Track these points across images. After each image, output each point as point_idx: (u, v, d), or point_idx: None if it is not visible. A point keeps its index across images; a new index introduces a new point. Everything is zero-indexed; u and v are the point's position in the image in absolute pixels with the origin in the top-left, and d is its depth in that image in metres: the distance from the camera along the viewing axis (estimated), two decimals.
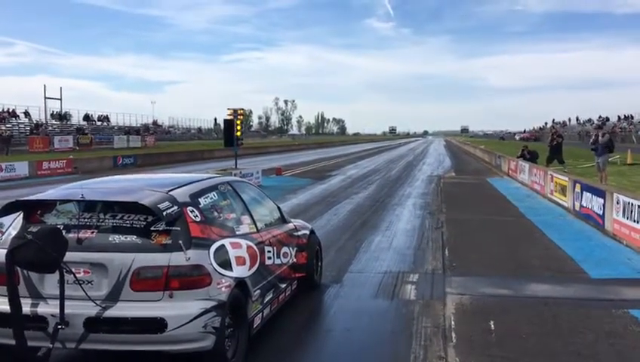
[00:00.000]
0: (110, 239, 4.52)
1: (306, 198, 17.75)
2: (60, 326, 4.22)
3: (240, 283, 4.91)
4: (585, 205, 12.72)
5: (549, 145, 25.66)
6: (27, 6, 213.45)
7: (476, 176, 26.26)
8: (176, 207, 4.68)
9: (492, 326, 6.06)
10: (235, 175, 20.38)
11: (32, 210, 4.86)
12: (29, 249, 4.07)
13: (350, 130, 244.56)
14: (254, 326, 5.27)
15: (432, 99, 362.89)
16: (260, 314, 5.43)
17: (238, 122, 22.30)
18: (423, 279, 8.02)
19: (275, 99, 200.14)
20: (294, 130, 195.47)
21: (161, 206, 4.56)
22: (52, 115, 62.84)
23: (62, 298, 4.21)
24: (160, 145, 65.07)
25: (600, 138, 19.77)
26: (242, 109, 23.44)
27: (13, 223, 4.84)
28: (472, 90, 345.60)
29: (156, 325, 4.23)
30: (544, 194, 17.34)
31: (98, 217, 4.68)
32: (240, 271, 4.95)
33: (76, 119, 66.02)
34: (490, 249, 9.99)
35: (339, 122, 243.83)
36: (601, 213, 11.52)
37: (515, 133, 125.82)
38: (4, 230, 4.92)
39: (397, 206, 15.86)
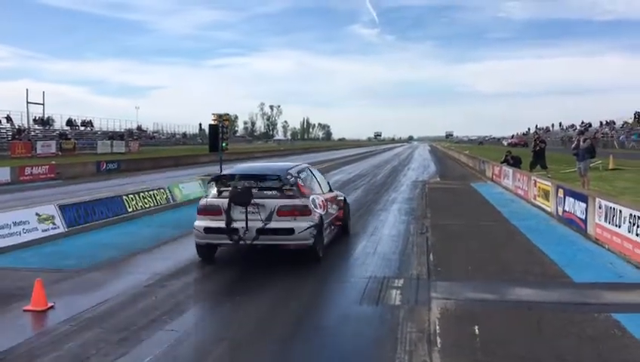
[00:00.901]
0: (265, 193, 9.09)
1: None
2: (245, 231, 8.76)
3: (320, 216, 9.33)
4: (568, 210, 12.84)
5: (532, 151, 25.88)
6: (9, 10, 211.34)
7: (461, 182, 26.40)
8: (293, 178, 9.45)
9: (477, 330, 6.08)
10: None
11: (225, 179, 9.64)
12: (241, 195, 8.86)
13: (336, 135, 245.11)
14: (325, 241, 9.71)
15: (417, 104, 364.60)
16: (327, 234, 10.02)
17: (224, 127, 22.24)
18: (408, 284, 8.03)
19: (261, 105, 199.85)
20: (280, 136, 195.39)
21: (287, 177, 9.36)
22: (35, 120, 62.14)
23: (246, 218, 8.76)
24: (144, 150, 64.69)
25: (581, 143, 19.97)
26: (227, 114, 23.38)
27: (214, 186, 9.70)
28: (456, 96, 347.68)
29: (290, 231, 8.77)
30: (528, 199, 17.48)
31: (257, 182, 9.33)
32: (320, 211, 9.38)
33: (59, 124, 65.41)
34: (475, 254, 10.03)
35: (324, 127, 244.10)
36: (583, 217, 11.63)
37: (500, 139, 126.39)
38: (211, 190, 9.75)
39: (382, 211, 15.88)
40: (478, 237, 11.77)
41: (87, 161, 36.33)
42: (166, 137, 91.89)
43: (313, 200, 9.33)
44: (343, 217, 11.54)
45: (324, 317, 6.77)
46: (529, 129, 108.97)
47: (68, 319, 6.62)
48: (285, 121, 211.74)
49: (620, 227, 9.60)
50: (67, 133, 62.51)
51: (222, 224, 8.87)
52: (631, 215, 9.20)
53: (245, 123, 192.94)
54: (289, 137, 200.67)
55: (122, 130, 76.18)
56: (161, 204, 16.20)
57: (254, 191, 9.00)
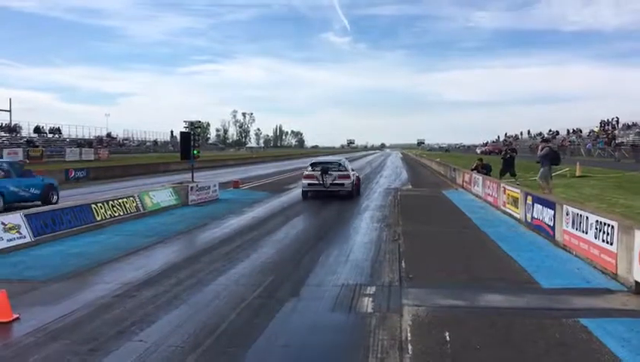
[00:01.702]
0: (332, 169, 21.38)
1: (264, 211, 17.67)
2: (325, 183, 20.93)
3: (352, 180, 21.52)
4: (536, 216, 13.06)
5: (502, 159, 26.29)
6: None
7: (432, 189, 26.64)
8: (346, 163, 22.44)
9: (447, 337, 6.13)
10: (191, 188, 20.12)
11: (315, 164, 21.96)
12: (325, 168, 21.25)
13: (308, 142, 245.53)
14: (353, 191, 21.48)
15: (389, 112, 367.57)
16: (355, 188, 21.86)
17: (196, 134, 22.08)
18: (380, 291, 8.05)
19: (233, 112, 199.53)
20: (253, 143, 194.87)
21: (340, 162, 22.39)
22: (1, 127, 60.85)
23: (324, 179, 20.95)
24: (114, 158, 63.81)
25: (538, 151, 20.40)
26: (199, 122, 23.22)
27: (309, 166, 21.97)
28: (427, 104, 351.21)
29: (342, 185, 21.04)
30: (497, 206, 17.73)
31: (329, 165, 21.59)
32: (354, 178, 22.01)
33: (27, 131, 64.17)
34: (446, 260, 10.12)
35: (297, 135, 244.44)
36: (551, 224, 11.84)
37: (470, 146, 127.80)
38: (309, 167, 21.93)
39: (354, 219, 15.93)
40: (449, 244, 11.88)
41: (54, 169, 35.61)
42: (136, 145, 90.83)
43: (350, 173, 21.75)
44: (358, 183, 23.15)
45: (296, 325, 6.73)
46: (499, 137, 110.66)
47: (34, 331, 6.47)
48: (258, 129, 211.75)
49: (586, 233, 9.79)
50: (35, 140, 61.35)
51: (315, 181, 20.97)
52: (597, 221, 9.39)
53: (218, 130, 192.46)
54: (262, 145, 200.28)
55: (91, 138, 75.10)
56: (130, 213, 15.98)
57: (329, 168, 21.22)
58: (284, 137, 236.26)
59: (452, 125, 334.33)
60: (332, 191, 20.86)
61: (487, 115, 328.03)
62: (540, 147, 21.22)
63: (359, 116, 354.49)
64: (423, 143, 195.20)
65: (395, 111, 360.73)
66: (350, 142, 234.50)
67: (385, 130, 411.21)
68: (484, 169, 24.72)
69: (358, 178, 23.32)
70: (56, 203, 18.65)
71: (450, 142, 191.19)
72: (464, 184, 26.29)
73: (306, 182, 21.12)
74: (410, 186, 29.03)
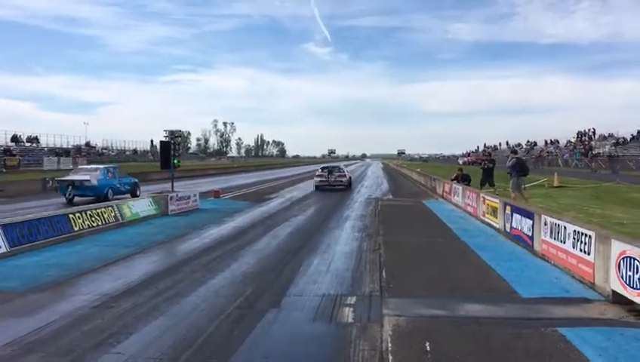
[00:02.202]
0: (334, 170, 32.97)
1: (245, 221, 17.60)
2: (330, 180, 32.04)
3: (348, 178, 34.09)
4: (515, 226, 13.19)
5: (481, 169, 26.53)
6: None
7: (413, 199, 26.74)
8: (343, 167, 35.66)
9: (428, 346, 6.14)
10: (171, 198, 19.97)
11: (324, 167, 33.52)
12: (332, 171, 32.89)
13: (290, 152, 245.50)
14: (350, 185, 34.02)
15: (370, 122, 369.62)
16: (348, 183, 33.38)
17: (176, 143, 21.95)
18: (361, 301, 8.06)
19: (214, 121, 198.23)
20: (234, 153, 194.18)
21: (342, 167, 35.36)
22: None
23: (329, 177, 32.14)
24: None
25: (507, 162, 20.64)
26: (180, 131, 23.10)
27: (320, 169, 33.95)
28: (407, 115, 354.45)
29: (342, 182, 32.64)
30: (477, 216, 17.86)
31: (333, 169, 33.29)
32: (348, 177, 34.23)
33: (3, 140, 63.22)
34: (426, 270, 10.17)
35: (278, 144, 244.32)
36: (530, 234, 11.96)
37: (449, 156, 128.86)
38: (319, 169, 34.05)
39: (335, 228, 15.93)
40: (430, 253, 11.94)
41: (32, 179, 35.12)
42: (115, 154, 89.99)
43: (346, 174, 33.29)
44: (350, 181, 34.23)
45: (276, 336, 6.69)
46: (478, 147, 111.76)
47: (9, 343, 6.35)
48: (239, 138, 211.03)
49: (564, 243, 9.92)
50: (12, 149, 60.46)
51: (324, 178, 31.78)
52: (575, 231, 9.52)
53: (198, 139, 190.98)
54: (243, 154, 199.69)
55: (70, 147, 74.23)
56: (109, 223, 15.80)
57: (332, 170, 32.52)
58: (265, 147, 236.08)
59: (432, 136, 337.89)
60: (334, 185, 31.87)
61: (465, 125, 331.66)
62: (509, 158, 21.48)
63: (341, 126, 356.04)
64: (404, 153, 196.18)
65: (376, 121, 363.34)
66: (331, 152, 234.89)
67: (366, 140, 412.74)
68: (464, 179, 24.90)
69: (350, 178, 35.45)
70: (139, 196, 23.82)
71: (430, 152, 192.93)
72: (444, 194, 26.44)
73: (317, 179, 32.38)
74: (391, 196, 29.11)
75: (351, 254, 11.86)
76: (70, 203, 22.91)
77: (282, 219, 18.10)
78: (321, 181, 31.99)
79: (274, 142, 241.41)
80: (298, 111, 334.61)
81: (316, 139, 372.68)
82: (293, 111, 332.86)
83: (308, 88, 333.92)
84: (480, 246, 12.60)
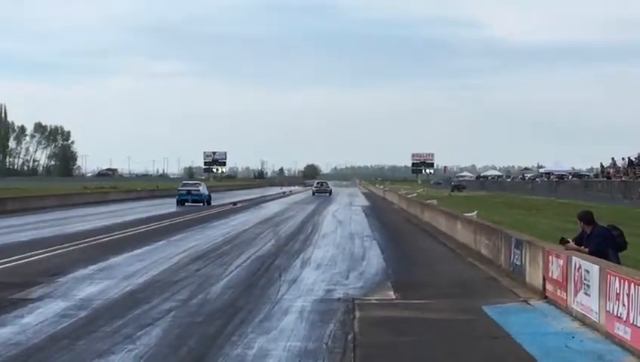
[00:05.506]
0: (324, 183, 74.34)
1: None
2: (322, 190, 66.84)
3: (331, 189, 68.49)
4: None
5: None
6: None
7: (455, 296, 10.19)
8: (327, 183, 78.16)
9: None
10: None
11: (318, 181, 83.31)
12: (321, 184, 73.33)
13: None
14: (331, 193, 65.95)
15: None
16: (330, 192, 66.04)
17: None
18: None
19: None
20: None
21: (327, 182, 78.82)
22: None
23: (321, 187, 68.26)
24: None
25: None
26: None
27: (315, 182, 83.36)
28: None
29: (328, 191, 64.98)
30: None
31: (323, 182, 75.41)
32: (330, 188, 69.40)
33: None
34: None
35: None
36: None
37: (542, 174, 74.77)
38: (315, 181, 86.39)
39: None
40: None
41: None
42: None
43: (330, 187, 68.88)
44: (331, 191, 66.46)
45: None
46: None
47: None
48: None
49: None
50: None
51: (316, 189, 66.36)
52: None
53: None
54: None
55: None
56: None
57: (322, 183, 72.54)
58: None
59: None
60: (322, 193, 61.07)
61: None
62: None
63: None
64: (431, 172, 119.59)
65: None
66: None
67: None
68: (605, 242, 8.26)
69: (331, 189, 66.26)
70: (210, 204, 38.61)
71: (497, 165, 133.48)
72: (548, 284, 9.22)
73: (313, 189, 66.41)
74: (391, 293, 10.51)
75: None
76: (182, 205, 37.13)
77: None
78: (316, 190, 64.45)
79: None
80: None
81: None
82: None
83: None
84: None
